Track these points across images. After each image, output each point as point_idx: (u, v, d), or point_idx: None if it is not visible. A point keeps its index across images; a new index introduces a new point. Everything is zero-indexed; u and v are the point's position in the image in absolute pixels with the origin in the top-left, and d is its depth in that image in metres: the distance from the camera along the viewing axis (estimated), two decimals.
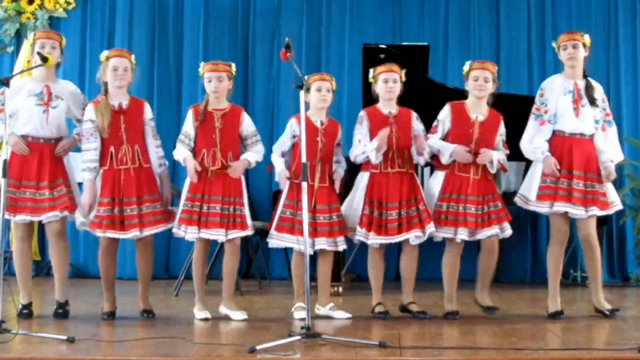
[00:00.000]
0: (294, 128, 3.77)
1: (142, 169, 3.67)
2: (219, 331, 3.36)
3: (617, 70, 6.00)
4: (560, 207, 3.62)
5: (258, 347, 2.80)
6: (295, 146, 3.77)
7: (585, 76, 3.74)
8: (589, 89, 3.69)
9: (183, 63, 6.16)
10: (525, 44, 6.05)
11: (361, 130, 3.77)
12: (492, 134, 3.72)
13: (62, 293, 3.74)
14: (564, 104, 3.67)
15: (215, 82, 3.68)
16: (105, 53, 3.74)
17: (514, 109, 3.97)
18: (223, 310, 3.72)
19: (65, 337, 2.99)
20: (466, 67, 3.76)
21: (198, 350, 2.87)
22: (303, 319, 3.23)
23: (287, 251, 5.84)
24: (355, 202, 3.76)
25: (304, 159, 3.19)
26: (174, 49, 6.17)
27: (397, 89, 3.77)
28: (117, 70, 3.65)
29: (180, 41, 6.19)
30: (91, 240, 5.88)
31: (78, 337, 3.03)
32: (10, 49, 6.19)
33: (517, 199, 3.78)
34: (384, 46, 5.09)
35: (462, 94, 3.86)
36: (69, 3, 6.19)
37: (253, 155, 3.74)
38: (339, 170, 3.84)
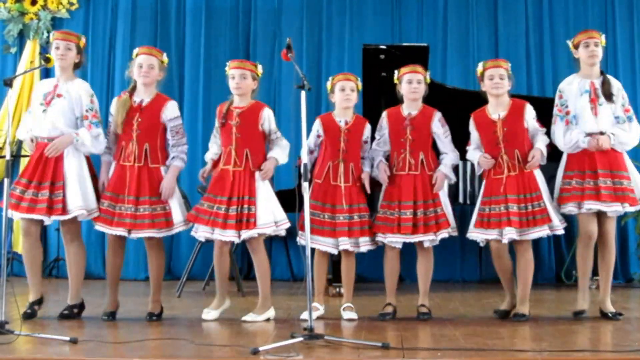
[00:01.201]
0: (317, 128, 3.80)
1: (147, 169, 3.64)
2: (221, 332, 3.36)
3: (615, 72, 5.99)
4: (590, 205, 3.57)
5: (261, 349, 2.79)
6: (320, 146, 3.81)
7: (602, 73, 3.72)
8: (605, 84, 3.66)
9: (185, 63, 6.18)
10: (524, 45, 6.07)
11: (380, 131, 3.81)
12: (517, 126, 3.66)
13: (71, 295, 3.74)
14: (582, 105, 3.65)
15: (238, 79, 3.67)
16: (136, 50, 3.77)
17: None
18: (250, 317, 3.65)
19: (68, 338, 2.99)
20: (479, 68, 3.74)
21: (200, 352, 2.87)
22: (305, 320, 3.22)
23: (289, 252, 5.86)
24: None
25: (305, 160, 3.20)
26: (176, 49, 6.19)
27: (422, 89, 3.78)
28: (141, 67, 3.67)
29: (182, 42, 6.21)
30: (94, 241, 5.89)
31: (81, 338, 3.03)
32: (13, 50, 6.21)
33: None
34: (384, 47, 5.10)
35: (461, 94, 3.85)
36: (71, 4, 6.20)
37: (279, 151, 3.69)
38: (365, 169, 3.81)
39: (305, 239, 3.64)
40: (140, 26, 6.17)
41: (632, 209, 3.63)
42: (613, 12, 6.06)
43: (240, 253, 5.77)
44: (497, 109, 3.71)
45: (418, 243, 3.72)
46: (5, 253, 3.26)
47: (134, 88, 3.73)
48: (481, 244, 3.74)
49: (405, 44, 5.83)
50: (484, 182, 3.76)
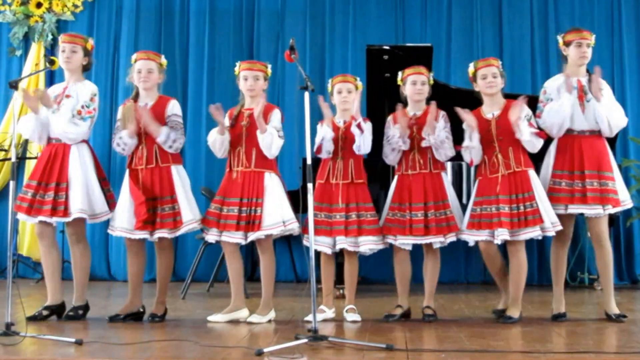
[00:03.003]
0: (320, 128, 3.78)
1: (159, 169, 3.65)
2: (225, 334, 3.36)
3: (621, 71, 6.00)
4: (576, 209, 3.58)
5: (265, 350, 2.80)
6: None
7: (588, 71, 3.71)
8: (592, 82, 3.64)
9: (189, 65, 6.21)
10: (529, 45, 6.07)
11: (388, 132, 3.78)
12: (510, 124, 3.60)
13: (75, 296, 3.75)
14: (568, 102, 3.61)
15: (251, 81, 3.68)
16: (134, 55, 3.77)
17: None
18: (254, 318, 3.64)
19: (73, 340, 3.00)
20: (471, 69, 3.73)
21: (205, 353, 2.87)
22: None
23: (292, 254, 5.87)
24: (385, 207, 3.78)
25: (308, 161, 3.21)
26: (180, 51, 6.21)
27: (425, 90, 3.77)
28: (140, 72, 3.68)
29: (185, 43, 6.23)
30: (97, 242, 5.92)
31: (86, 339, 3.04)
32: (18, 52, 6.24)
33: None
34: (387, 47, 5.10)
35: (465, 94, 3.85)
36: (76, 6, 6.23)
37: (273, 133, 3.60)
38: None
39: (305, 241, 3.70)
40: (144, 28, 6.20)
41: (613, 211, 3.62)
42: (619, 10, 6.05)
43: (244, 255, 5.77)
44: (491, 108, 3.69)
45: (426, 244, 3.70)
46: (11, 255, 3.28)
47: (137, 94, 3.73)
48: (470, 244, 3.70)
49: (409, 44, 5.85)
50: (477, 182, 3.72)
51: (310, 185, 3.16)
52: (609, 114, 3.59)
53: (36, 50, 6.19)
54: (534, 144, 3.60)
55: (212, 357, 2.80)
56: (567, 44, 3.69)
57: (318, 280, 3.61)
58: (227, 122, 3.73)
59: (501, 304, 3.82)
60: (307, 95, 3.23)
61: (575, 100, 3.63)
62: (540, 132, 3.63)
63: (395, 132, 3.67)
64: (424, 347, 3.00)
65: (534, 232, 3.55)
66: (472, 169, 4.69)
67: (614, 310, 3.65)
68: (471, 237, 3.65)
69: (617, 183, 3.64)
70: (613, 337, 3.27)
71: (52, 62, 3.58)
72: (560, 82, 3.69)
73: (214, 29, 6.20)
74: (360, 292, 4.84)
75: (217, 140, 3.68)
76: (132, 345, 3.02)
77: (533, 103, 3.84)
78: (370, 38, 5.88)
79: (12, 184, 3.28)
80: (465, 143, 3.67)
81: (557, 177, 3.64)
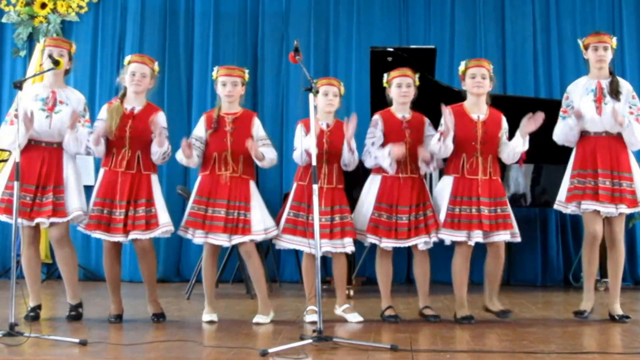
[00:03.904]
0: (302, 133, 3.77)
1: (140, 176, 3.65)
2: (230, 334, 3.37)
3: (622, 72, 5.98)
4: (588, 205, 3.60)
5: (270, 351, 2.80)
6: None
7: (611, 73, 3.73)
8: (613, 83, 3.67)
9: (193, 67, 6.21)
10: (531, 47, 6.08)
11: (375, 133, 3.77)
12: (495, 132, 3.68)
13: (71, 296, 3.77)
14: (585, 103, 3.66)
15: (229, 87, 3.70)
16: (128, 57, 3.78)
17: (520, 111, 3.95)
18: (260, 319, 3.65)
19: (77, 340, 3.01)
20: (462, 67, 3.74)
21: (209, 354, 2.88)
22: (314, 322, 3.23)
23: (297, 254, 5.86)
24: (365, 206, 3.76)
25: (314, 162, 3.21)
26: (185, 53, 6.22)
27: (411, 93, 3.77)
28: (134, 75, 3.69)
29: (190, 45, 6.24)
30: (99, 243, 5.90)
31: (90, 339, 3.05)
32: (22, 53, 6.26)
33: (556, 206, 3.77)
34: (391, 49, 5.10)
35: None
36: (81, 7, 6.25)
37: (268, 151, 3.71)
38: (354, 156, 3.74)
39: (280, 241, 3.70)
40: (148, 29, 6.20)
41: (628, 211, 3.62)
42: (620, 12, 6.06)
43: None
44: (475, 108, 3.71)
45: (413, 246, 3.71)
46: (15, 256, 3.29)
47: (124, 95, 3.74)
48: (446, 243, 3.70)
49: (412, 46, 5.85)
50: (449, 179, 3.68)
51: (315, 187, 3.16)
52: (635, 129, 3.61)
53: (40, 51, 6.19)
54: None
55: (216, 358, 2.80)
56: (586, 47, 3.73)
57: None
58: (204, 127, 3.70)
59: (464, 310, 3.71)
60: (311, 96, 3.23)
61: (591, 102, 3.65)
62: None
63: (386, 156, 3.65)
64: (429, 347, 3.00)
65: (504, 236, 3.63)
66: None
67: (618, 311, 3.66)
68: (448, 237, 3.66)
69: (636, 184, 3.62)
70: (616, 337, 3.27)
71: (56, 63, 3.58)
72: (581, 85, 3.74)
73: (219, 31, 6.20)
74: (365, 293, 4.86)
75: (183, 161, 3.70)
76: (135, 345, 3.03)
77: (534, 105, 3.85)
78: (374, 40, 5.89)
79: (15, 184, 3.29)
80: (437, 144, 3.64)
81: (572, 176, 3.69)
